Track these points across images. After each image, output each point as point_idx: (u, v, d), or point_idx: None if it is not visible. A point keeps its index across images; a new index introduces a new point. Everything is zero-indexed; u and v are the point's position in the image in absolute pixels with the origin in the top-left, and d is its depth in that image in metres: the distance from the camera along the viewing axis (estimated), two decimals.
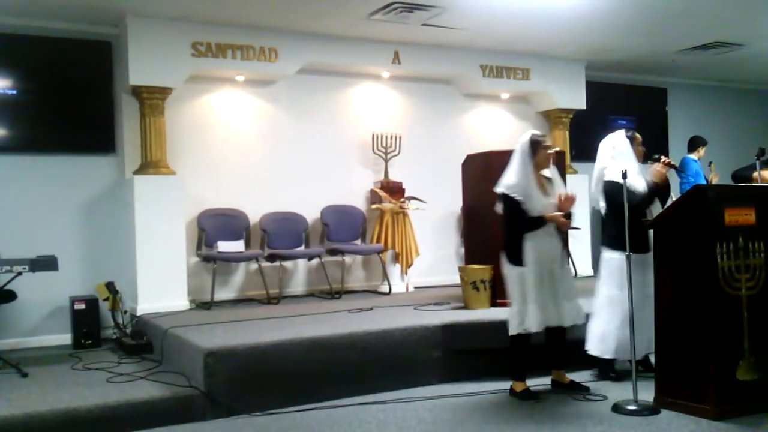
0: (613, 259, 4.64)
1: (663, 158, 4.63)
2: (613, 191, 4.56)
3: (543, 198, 4.38)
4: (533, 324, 4.30)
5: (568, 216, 4.40)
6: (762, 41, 7.68)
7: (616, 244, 4.55)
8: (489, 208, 5.55)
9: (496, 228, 5.33)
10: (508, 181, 4.38)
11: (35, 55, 6.18)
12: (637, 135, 4.78)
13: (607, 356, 4.67)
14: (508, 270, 4.41)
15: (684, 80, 9.69)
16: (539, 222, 4.34)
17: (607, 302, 4.67)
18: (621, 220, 4.26)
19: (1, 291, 5.20)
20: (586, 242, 8.00)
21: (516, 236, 4.36)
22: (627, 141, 4.70)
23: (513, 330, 4.34)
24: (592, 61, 8.37)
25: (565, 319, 4.42)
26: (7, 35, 6.07)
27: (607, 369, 4.77)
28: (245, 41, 6.61)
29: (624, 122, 8.81)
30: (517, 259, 4.35)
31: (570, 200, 4.38)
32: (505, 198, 4.37)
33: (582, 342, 4.75)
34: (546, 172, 4.51)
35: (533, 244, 4.33)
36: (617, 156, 4.66)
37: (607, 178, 4.65)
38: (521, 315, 4.32)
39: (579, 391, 4.49)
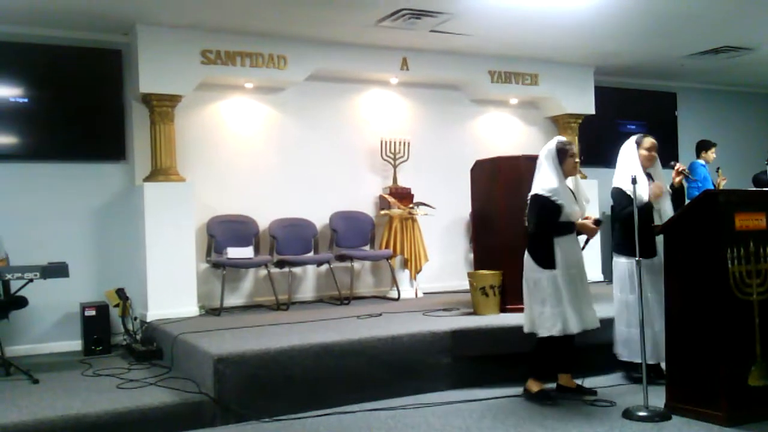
0: (619, 263, 4.73)
1: (677, 165, 4.64)
2: (615, 197, 4.66)
3: (573, 204, 4.43)
4: (574, 326, 4.31)
5: (598, 223, 4.48)
6: None
7: (622, 249, 4.69)
8: (498, 214, 5.61)
9: (505, 233, 5.36)
10: (547, 185, 4.35)
11: (46, 63, 6.22)
12: (645, 139, 4.73)
13: (637, 360, 4.61)
14: (537, 273, 4.38)
15: (693, 84, 9.65)
16: (570, 228, 4.39)
17: (623, 307, 4.72)
18: (624, 225, 4.48)
19: (13, 297, 5.24)
20: (596, 247, 7.97)
21: (547, 240, 4.36)
22: (634, 146, 4.71)
23: (547, 332, 4.31)
24: (600, 66, 8.36)
25: (591, 323, 4.43)
26: (18, 44, 6.12)
27: (637, 372, 4.72)
28: (254, 49, 6.65)
29: (633, 127, 8.78)
30: (548, 262, 4.35)
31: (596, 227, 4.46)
32: (542, 200, 4.34)
33: (596, 347, 4.75)
34: (569, 181, 4.53)
35: (562, 248, 4.36)
36: (623, 161, 4.70)
37: (614, 185, 4.70)
38: (557, 317, 4.29)
39: (586, 394, 4.49)
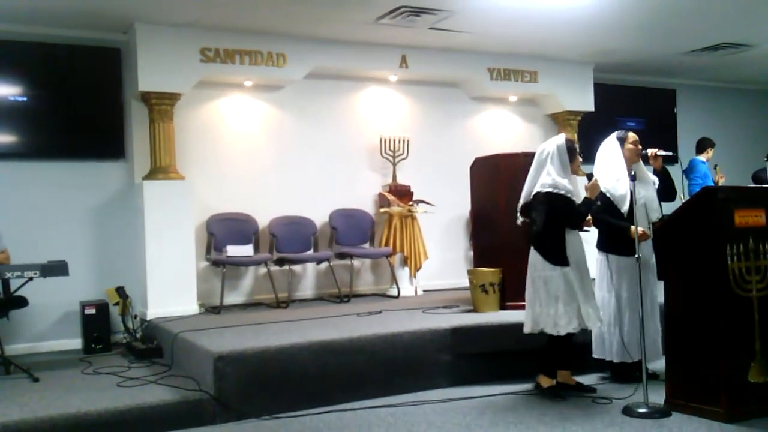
0: (599, 260, 4.74)
1: (650, 151, 4.64)
2: (599, 197, 4.60)
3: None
4: (592, 321, 4.35)
5: (590, 177, 4.55)
6: None
7: (601, 246, 4.73)
8: (498, 211, 5.61)
9: (505, 231, 5.36)
10: (555, 182, 4.35)
11: (45, 62, 6.22)
12: (630, 134, 4.73)
13: (609, 359, 4.67)
14: (548, 272, 4.36)
15: (693, 81, 9.65)
16: (585, 213, 4.39)
17: (599, 305, 4.68)
18: (603, 223, 4.61)
19: (13, 297, 5.23)
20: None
21: (559, 237, 4.37)
22: (616, 143, 4.69)
23: (564, 330, 4.29)
24: (600, 63, 8.35)
25: (597, 319, 4.46)
26: (17, 42, 6.12)
27: (620, 371, 4.74)
28: (253, 47, 6.64)
29: (632, 124, 8.79)
30: (560, 260, 4.34)
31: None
32: (553, 197, 4.33)
33: (585, 344, 4.75)
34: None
35: (571, 245, 4.38)
36: (605, 160, 4.68)
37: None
38: (572, 313, 4.29)
39: (586, 392, 4.50)
